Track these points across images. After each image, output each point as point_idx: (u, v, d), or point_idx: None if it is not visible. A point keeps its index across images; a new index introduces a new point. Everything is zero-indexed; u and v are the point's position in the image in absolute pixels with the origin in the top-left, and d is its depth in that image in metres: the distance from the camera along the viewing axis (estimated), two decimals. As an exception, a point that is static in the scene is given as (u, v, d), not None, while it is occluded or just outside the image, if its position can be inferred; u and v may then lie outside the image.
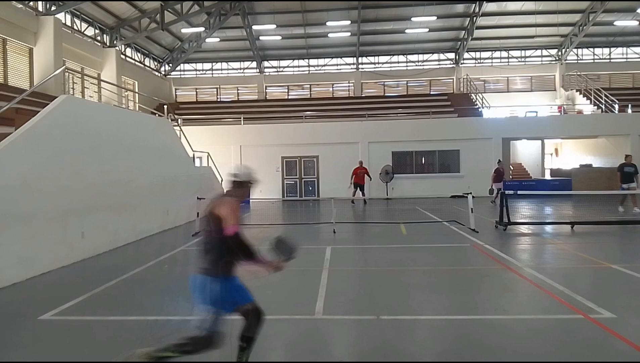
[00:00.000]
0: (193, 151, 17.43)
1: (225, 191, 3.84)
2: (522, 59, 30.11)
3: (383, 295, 6.13)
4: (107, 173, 9.94)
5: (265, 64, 30.77)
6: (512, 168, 25.43)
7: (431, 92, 29.82)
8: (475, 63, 30.21)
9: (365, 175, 19.59)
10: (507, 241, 10.25)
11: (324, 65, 30.82)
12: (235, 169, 3.86)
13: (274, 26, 25.78)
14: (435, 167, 23.02)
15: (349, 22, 25.87)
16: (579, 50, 29.56)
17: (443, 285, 6.67)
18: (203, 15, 24.44)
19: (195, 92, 30.76)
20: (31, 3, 17.26)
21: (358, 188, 19.24)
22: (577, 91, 26.82)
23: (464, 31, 28.03)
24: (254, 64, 30.45)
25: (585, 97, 25.88)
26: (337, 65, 30.79)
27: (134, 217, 10.94)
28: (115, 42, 22.36)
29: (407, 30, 26.90)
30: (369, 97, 29.48)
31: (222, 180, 19.27)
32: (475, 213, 12.00)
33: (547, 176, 26.50)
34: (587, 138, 24.74)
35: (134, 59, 25.94)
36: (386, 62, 30.50)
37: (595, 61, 29.66)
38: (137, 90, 23.59)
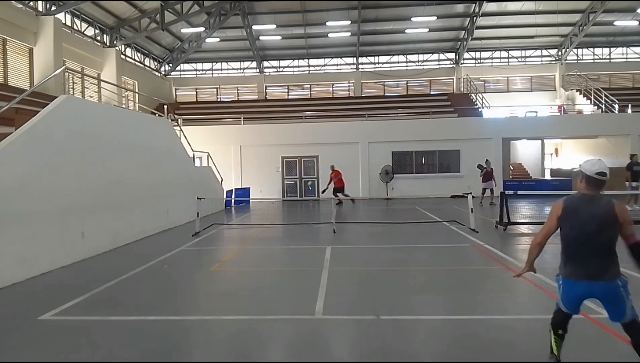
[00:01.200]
0: (193, 151, 17.44)
1: (595, 190, 3.47)
2: (522, 59, 30.12)
3: (383, 295, 6.12)
4: (107, 173, 9.94)
5: (265, 64, 30.77)
6: (512, 168, 25.43)
7: (431, 92, 29.82)
8: (475, 63, 30.22)
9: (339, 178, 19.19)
10: (507, 241, 10.25)
11: (324, 65, 30.83)
12: (602, 166, 3.46)
13: (274, 26, 25.78)
14: (435, 167, 23.01)
15: (349, 22, 25.87)
16: (579, 50, 29.57)
17: (443, 285, 6.66)
18: (203, 15, 24.44)
19: (195, 92, 30.76)
20: (31, 3, 17.26)
21: (340, 192, 19.04)
22: (577, 91, 26.83)
23: (464, 31, 28.04)
24: (254, 64, 30.46)
25: (585, 97, 25.89)
26: (337, 65, 30.80)
27: (134, 217, 10.94)
28: (115, 42, 22.36)
29: (407, 30, 26.91)
30: (369, 97, 29.48)
31: (222, 180, 19.30)
32: (475, 213, 12.00)
33: (547, 176, 26.51)
34: (587, 138, 24.74)
35: (134, 59, 25.95)
36: (386, 62, 30.50)
37: (595, 61, 29.67)
38: (137, 90, 23.60)
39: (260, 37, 27.99)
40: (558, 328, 3.65)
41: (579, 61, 29.61)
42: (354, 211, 17.50)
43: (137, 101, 17.83)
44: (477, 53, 30.10)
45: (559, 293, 3.63)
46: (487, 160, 18.68)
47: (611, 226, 3.41)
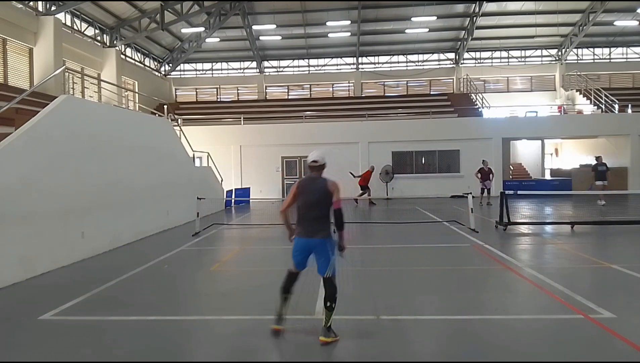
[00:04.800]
0: (193, 151, 17.43)
1: None
2: (522, 59, 30.12)
3: (383, 295, 6.12)
4: (107, 173, 9.94)
5: (265, 64, 30.77)
6: (512, 168, 25.43)
7: (431, 92, 29.82)
8: (475, 63, 30.22)
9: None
10: (507, 241, 10.25)
11: (324, 65, 30.83)
12: (313, 156, 4.74)
13: (274, 26, 25.79)
14: (435, 167, 23.01)
15: (349, 22, 25.88)
16: (579, 50, 29.57)
17: (443, 285, 6.66)
18: (203, 15, 24.45)
19: (195, 92, 30.77)
20: (31, 3, 17.27)
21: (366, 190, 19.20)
22: (577, 91, 26.83)
23: (464, 31, 28.03)
24: (254, 64, 30.46)
25: (585, 97, 25.90)
26: (337, 65, 30.80)
27: (134, 217, 10.93)
28: (115, 42, 22.36)
29: (407, 30, 26.92)
30: (369, 97, 29.48)
31: (222, 180, 19.30)
32: (475, 213, 12.01)
33: (547, 176, 26.50)
34: (587, 138, 24.75)
35: (134, 59, 25.95)
36: (386, 62, 30.50)
37: (595, 61, 29.67)
38: (137, 90, 23.60)
39: (260, 37, 28.00)
40: (287, 292, 4.73)
41: (579, 61, 29.61)
42: (355, 211, 17.48)
43: (137, 101, 17.83)
44: (477, 53, 30.10)
45: (293, 249, 4.71)
46: (484, 160, 18.71)
47: (324, 199, 4.60)
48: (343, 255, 4.73)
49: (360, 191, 19.25)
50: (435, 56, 30.54)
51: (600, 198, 16.68)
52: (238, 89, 30.67)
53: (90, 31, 21.50)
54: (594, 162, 17.22)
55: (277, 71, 31.02)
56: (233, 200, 19.33)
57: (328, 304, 4.55)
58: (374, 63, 30.54)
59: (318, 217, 4.62)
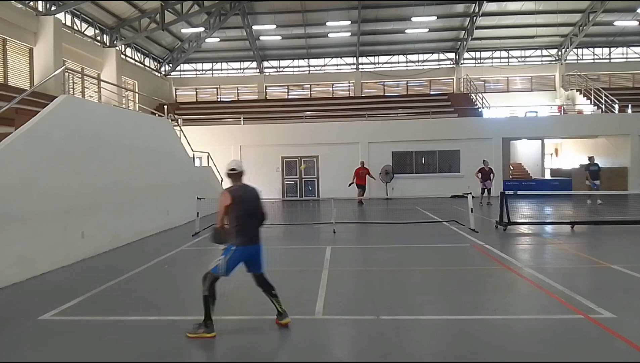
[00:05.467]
0: (193, 151, 17.44)
1: None
2: (522, 59, 30.11)
3: (383, 295, 6.13)
4: (107, 173, 9.94)
5: (265, 64, 30.77)
6: (512, 168, 25.43)
7: (431, 92, 29.82)
8: (475, 63, 30.22)
9: (367, 175, 19.54)
10: (507, 241, 10.25)
11: (324, 65, 30.82)
12: (231, 164, 4.90)
13: (274, 26, 25.78)
14: (435, 167, 23.01)
15: (349, 22, 25.87)
16: (579, 50, 29.56)
17: (443, 285, 6.67)
18: (203, 15, 24.45)
19: (195, 92, 30.76)
20: (31, 3, 17.26)
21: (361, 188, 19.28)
22: (577, 91, 26.81)
23: (464, 31, 28.04)
24: (254, 64, 30.46)
25: (585, 97, 25.88)
26: (337, 65, 30.79)
27: (134, 217, 10.93)
28: (115, 42, 22.37)
29: (407, 30, 26.91)
30: (369, 97, 29.47)
31: (221, 180, 19.29)
32: (475, 213, 12.00)
33: (547, 176, 26.50)
34: (587, 138, 24.74)
35: (134, 59, 25.95)
36: (386, 62, 30.50)
37: (595, 61, 29.66)
38: (137, 90, 23.60)
39: (260, 37, 27.99)
40: (214, 298, 4.68)
41: (579, 61, 29.60)
42: (354, 211, 17.48)
43: (137, 101, 17.83)
44: (477, 53, 30.09)
45: (226, 260, 4.63)
46: (484, 160, 18.73)
47: (260, 204, 4.93)
48: None
49: (359, 191, 19.25)
50: (435, 56, 30.53)
51: (589, 198, 17.38)
52: (238, 89, 30.66)
53: (90, 31, 21.50)
54: (586, 162, 17.65)
55: (277, 71, 31.02)
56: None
57: (273, 292, 4.89)
58: (374, 63, 30.54)
59: (257, 223, 4.86)
